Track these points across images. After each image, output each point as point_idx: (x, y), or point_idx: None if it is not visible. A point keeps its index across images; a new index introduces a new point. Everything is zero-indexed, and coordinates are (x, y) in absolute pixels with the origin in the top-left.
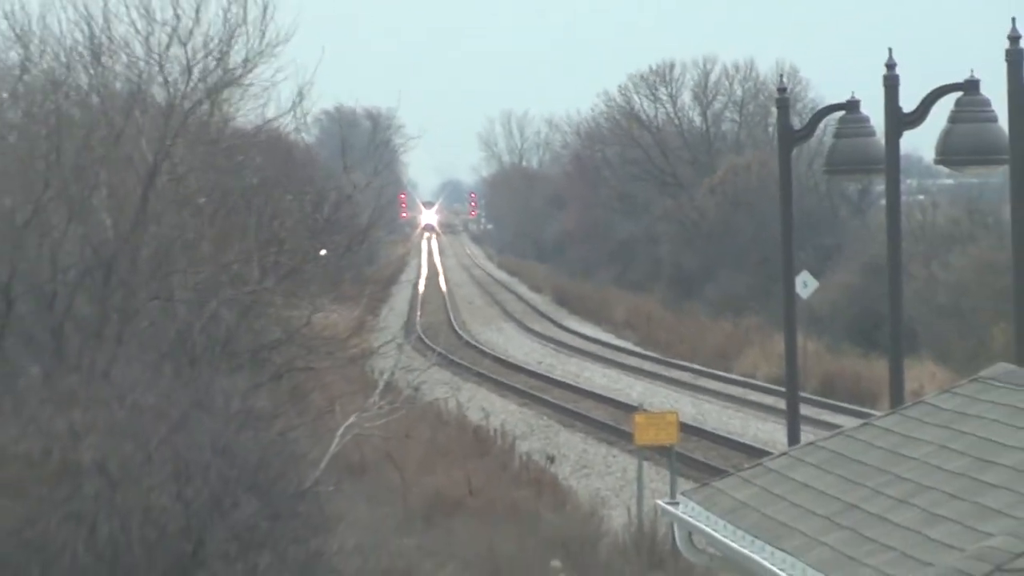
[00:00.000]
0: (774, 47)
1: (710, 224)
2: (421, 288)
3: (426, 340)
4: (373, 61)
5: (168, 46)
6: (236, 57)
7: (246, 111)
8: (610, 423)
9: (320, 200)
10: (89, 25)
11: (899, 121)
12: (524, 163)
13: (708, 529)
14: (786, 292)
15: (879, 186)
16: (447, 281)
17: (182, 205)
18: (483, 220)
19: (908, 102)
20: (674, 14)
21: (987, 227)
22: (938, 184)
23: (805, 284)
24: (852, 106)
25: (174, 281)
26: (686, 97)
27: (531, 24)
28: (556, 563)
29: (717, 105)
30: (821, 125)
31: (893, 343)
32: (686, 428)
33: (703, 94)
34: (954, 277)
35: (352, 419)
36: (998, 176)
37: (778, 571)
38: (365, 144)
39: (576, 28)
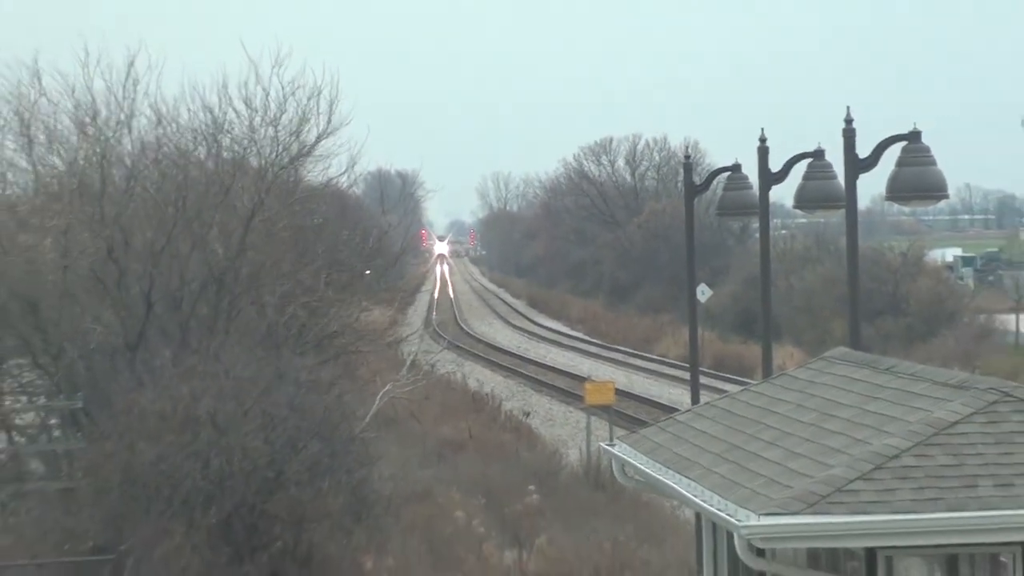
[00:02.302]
0: (682, 126)
1: (637, 250)
2: (436, 295)
3: (439, 331)
4: (404, 135)
5: (262, 128)
6: (309, 136)
7: (315, 173)
8: (567, 389)
9: (366, 235)
10: (208, 112)
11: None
12: (507, 208)
13: (635, 463)
14: (690, 298)
15: (754, 224)
16: (454, 291)
17: (270, 239)
18: (479, 248)
19: (775, 163)
20: (613, 101)
21: (830, 252)
22: (795, 222)
23: (703, 292)
24: (736, 168)
25: (264, 291)
26: (620, 162)
27: (510, 110)
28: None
29: (642, 167)
30: (714, 182)
31: (764, 333)
32: (620, 393)
33: (632, 160)
34: (806, 287)
35: (388, 387)
36: (837, 216)
37: (684, 491)
38: (397, 195)
39: (543, 111)
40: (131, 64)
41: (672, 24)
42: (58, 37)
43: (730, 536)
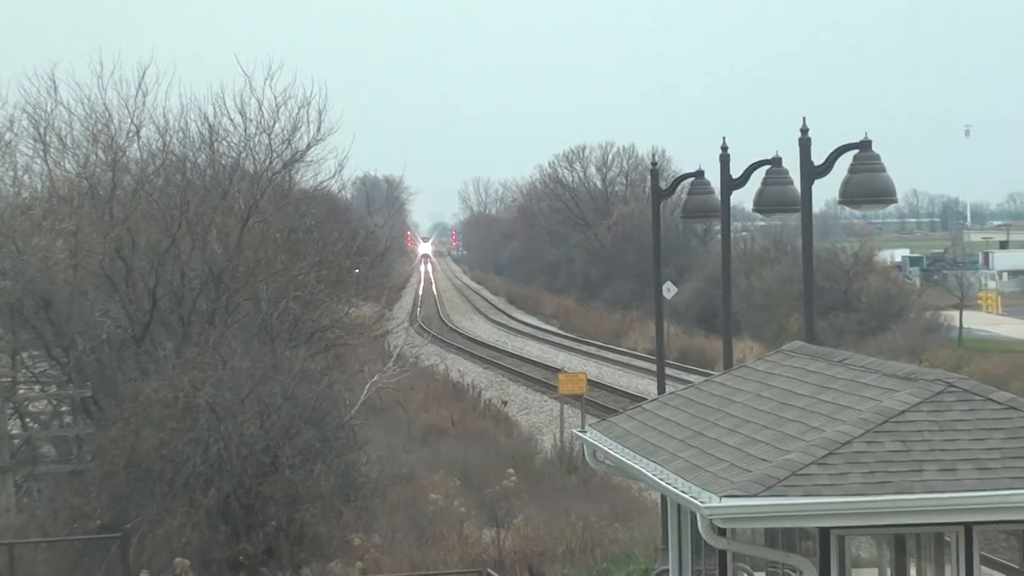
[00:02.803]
0: (650, 135)
1: (607, 250)
2: (420, 292)
3: (423, 325)
4: (390, 142)
5: (256, 136)
6: (300, 143)
7: (306, 177)
8: (542, 380)
9: (354, 235)
10: (206, 122)
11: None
12: (487, 211)
13: (606, 448)
14: (656, 295)
15: (716, 226)
16: (437, 288)
17: (265, 239)
18: (461, 248)
19: (736, 169)
20: (586, 111)
21: (786, 252)
22: (755, 224)
23: (669, 289)
24: (699, 175)
25: (259, 287)
26: (592, 168)
27: (490, 119)
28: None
29: (612, 173)
30: (679, 187)
31: (725, 327)
32: (592, 383)
33: (603, 166)
34: (765, 285)
35: (375, 377)
36: (794, 219)
37: (651, 475)
38: (383, 198)
39: (521, 120)
40: (142, 77)
41: (641, 39)
42: (74, 51)
43: (693, 516)
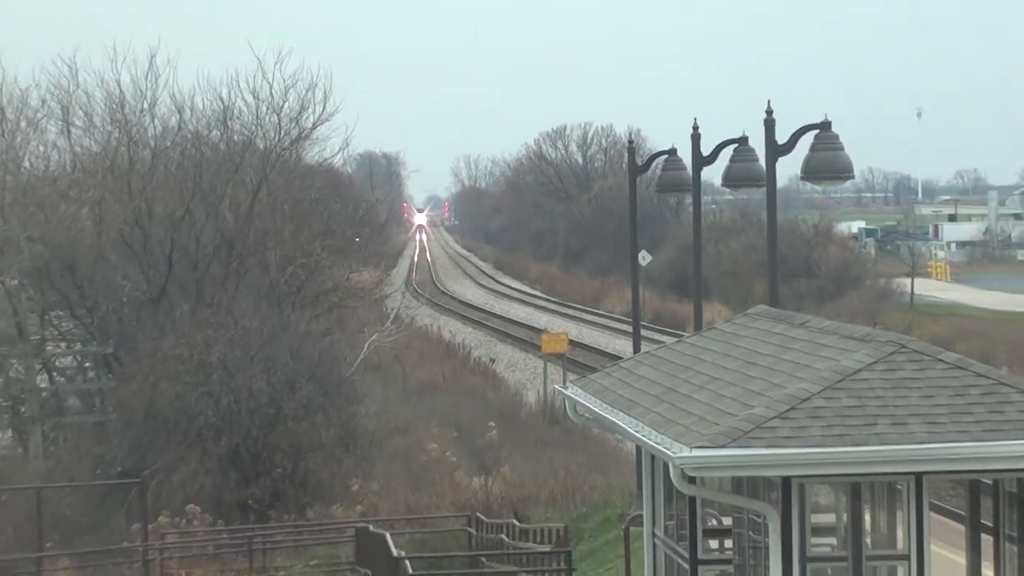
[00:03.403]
0: (626, 114)
1: (588, 221)
2: (416, 259)
3: (418, 290)
4: (389, 121)
5: (267, 115)
6: (307, 122)
7: (312, 153)
8: (527, 339)
9: (356, 207)
10: (219, 101)
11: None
12: (477, 185)
13: (585, 403)
14: (632, 262)
15: (688, 199)
16: (431, 255)
17: (274, 209)
18: (453, 219)
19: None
20: (568, 93)
21: (752, 224)
22: (723, 198)
23: (644, 257)
24: (672, 152)
25: (268, 254)
26: (573, 146)
27: (480, 100)
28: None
29: (592, 150)
30: (654, 164)
31: (695, 292)
32: (573, 343)
33: (584, 144)
34: (732, 253)
35: (374, 336)
36: (759, 193)
37: (627, 427)
38: (383, 173)
39: (508, 101)
40: (152, 61)
41: (619, 27)
42: (91, 39)
43: (666, 466)
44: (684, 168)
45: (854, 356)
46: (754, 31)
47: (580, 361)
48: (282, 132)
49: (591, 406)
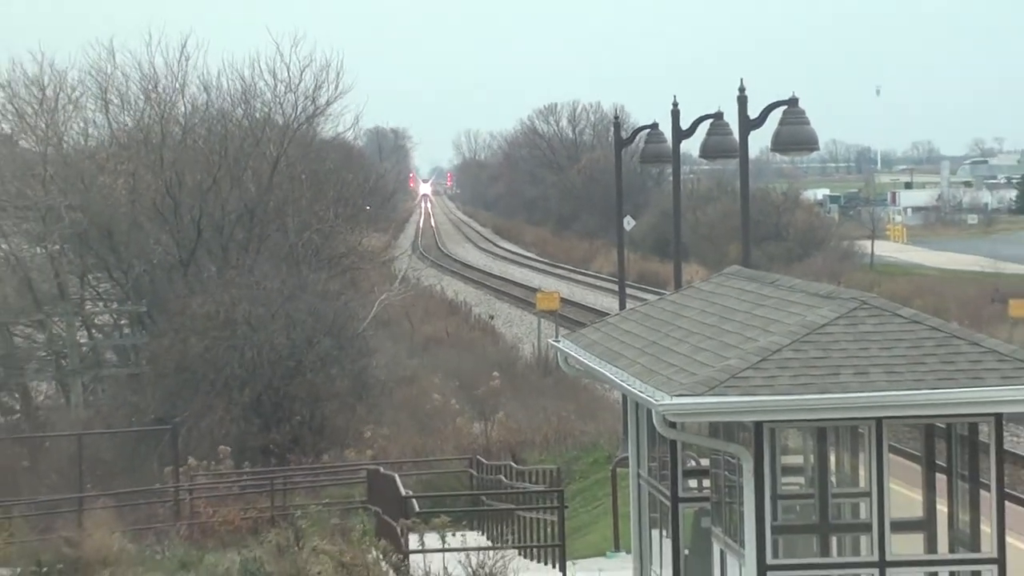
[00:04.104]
0: (612, 93)
1: (577, 190)
2: (421, 225)
3: (424, 253)
4: (396, 97)
5: (284, 94)
6: (321, 99)
7: (327, 128)
8: (523, 298)
9: (366, 177)
10: (242, 81)
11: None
12: (477, 157)
13: (576, 355)
14: (618, 227)
15: (668, 169)
16: (435, 221)
17: (292, 180)
18: (455, 188)
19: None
20: (561, 68)
21: (726, 192)
22: (700, 168)
23: (629, 223)
24: (654, 127)
25: (287, 220)
26: (564, 121)
27: (479, 78)
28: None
29: (580, 125)
30: (637, 137)
31: (675, 254)
32: (564, 301)
33: (573, 119)
34: (708, 218)
35: (383, 295)
36: (733, 164)
37: (613, 377)
38: (391, 146)
39: (504, 79)
40: (183, 45)
41: (606, 9)
42: (127, 24)
43: (649, 412)
44: (665, 141)
45: (820, 312)
46: (729, 13)
47: (571, 317)
48: (299, 109)
49: (581, 358)
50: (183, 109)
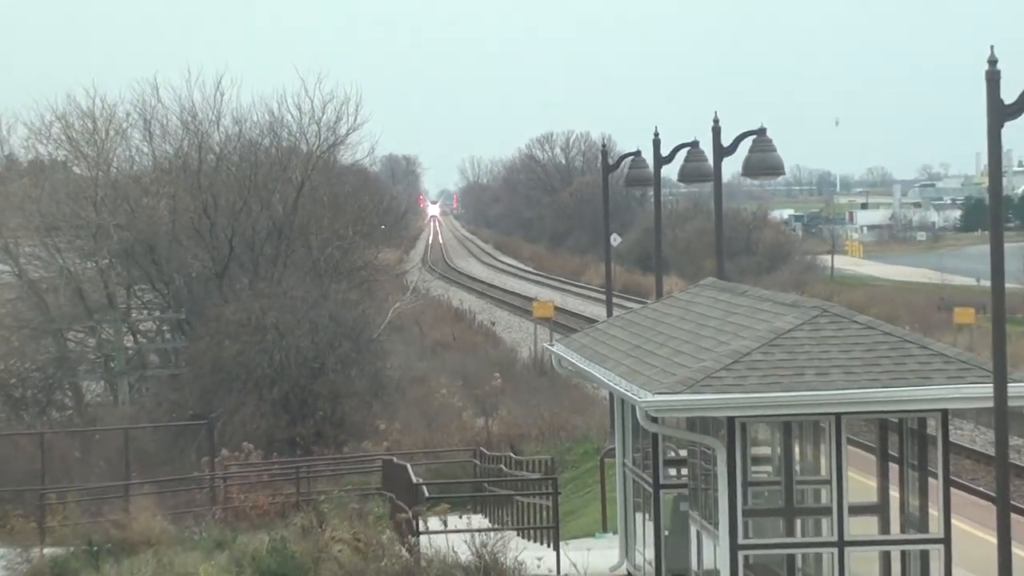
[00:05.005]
0: (601, 123)
1: (570, 210)
2: (430, 241)
3: (432, 266)
4: (408, 128)
5: (308, 125)
6: (341, 130)
7: (346, 156)
8: (521, 306)
9: (381, 199)
10: (270, 114)
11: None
12: (480, 181)
13: (568, 358)
14: (606, 243)
15: (651, 191)
16: (442, 238)
17: (315, 201)
18: (461, 209)
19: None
20: (553, 103)
21: (703, 212)
22: (679, 191)
23: (615, 239)
24: (637, 154)
25: (311, 237)
26: (558, 149)
27: (482, 111)
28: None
29: (573, 152)
30: (623, 164)
31: (656, 267)
32: (558, 309)
33: (566, 147)
34: (686, 235)
35: (397, 304)
36: (708, 187)
37: (602, 377)
38: (403, 172)
39: (504, 112)
40: (219, 83)
41: (590, 46)
42: (168, 62)
43: (633, 408)
44: (647, 167)
45: (785, 319)
46: (706, 52)
47: (564, 324)
48: (321, 139)
49: (573, 360)
50: (218, 139)
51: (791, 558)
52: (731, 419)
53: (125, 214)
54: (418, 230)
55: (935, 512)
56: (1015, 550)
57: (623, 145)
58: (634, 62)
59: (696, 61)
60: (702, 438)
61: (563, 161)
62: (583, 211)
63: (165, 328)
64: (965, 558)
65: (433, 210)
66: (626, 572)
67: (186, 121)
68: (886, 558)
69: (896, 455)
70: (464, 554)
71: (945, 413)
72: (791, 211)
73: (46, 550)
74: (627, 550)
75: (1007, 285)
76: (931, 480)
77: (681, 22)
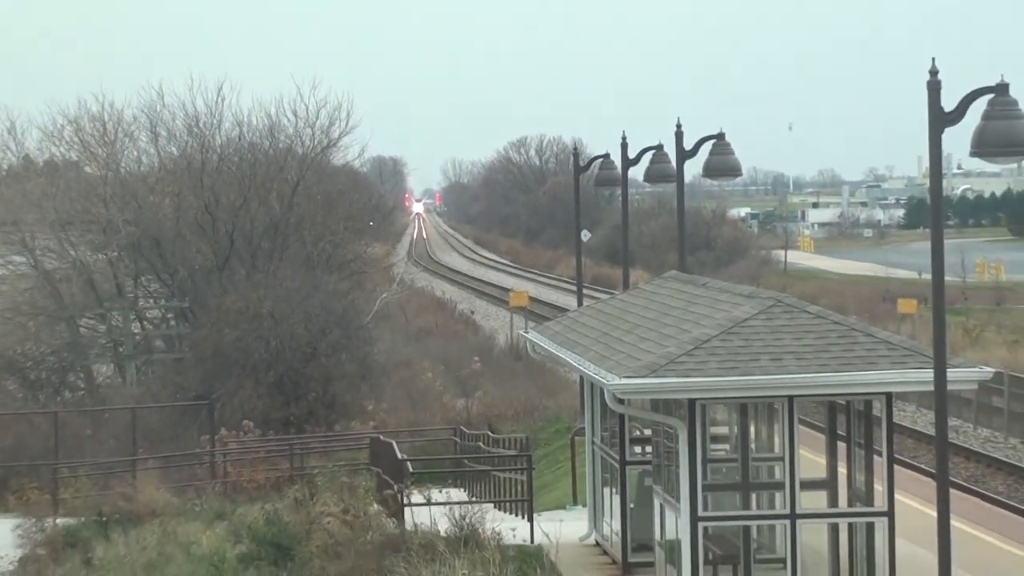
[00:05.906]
0: (572, 127)
1: (543, 208)
2: (415, 237)
3: (417, 259)
4: (395, 130)
5: (303, 129)
6: (334, 134)
7: (338, 158)
8: (498, 296)
9: (370, 198)
10: (268, 118)
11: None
12: (461, 181)
13: (542, 344)
14: (576, 238)
15: (618, 191)
16: (426, 234)
17: (309, 200)
18: (443, 207)
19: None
20: (531, 106)
21: (667, 210)
22: (645, 190)
23: (585, 235)
24: (606, 156)
25: (305, 233)
26: (532, 151)
27: (463, 115)
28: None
29: (546, 155)
30: (593, 165)
31: (624, 261)
32: (532, 299)
33: (540, 150)
34: (651, 231)
35: (384, 294)
36: (671, 186)
37: (572, 362)
38: (390, 172)
39: (483, 116)
40: (220, 89)
41: (560, 53)
42: (173, 70)
43: (602, 391)
44: (615, 168)
45: (742, 309)
46: (669, 58)
47: (538, 312)
48: (315, 141)
49: (546, 346)
50: (219, 141)
51: (747, 529)
52: (692, 401)
53: (133, 210)
54: (404, 226)
55: (880, 487)
56: (953, 522)
57: (592, 148)
58: (604, 69)
59: (661, 69)
60: (665, 418)
61: (537, 163)
62: (556, 209)
63: (170, 316)
64: (907, 529)
65: (418, 208)
66: (595, 542)
67: (189, 125)
68: (835, 529)
69: (844, 435)
70: (445, 526)
71: (889, 396)
72: (748, 209)
73: (59, 520)
74: (596, 521)
75: (946, 278)
76: (876, 458)
77: (647, 39)
